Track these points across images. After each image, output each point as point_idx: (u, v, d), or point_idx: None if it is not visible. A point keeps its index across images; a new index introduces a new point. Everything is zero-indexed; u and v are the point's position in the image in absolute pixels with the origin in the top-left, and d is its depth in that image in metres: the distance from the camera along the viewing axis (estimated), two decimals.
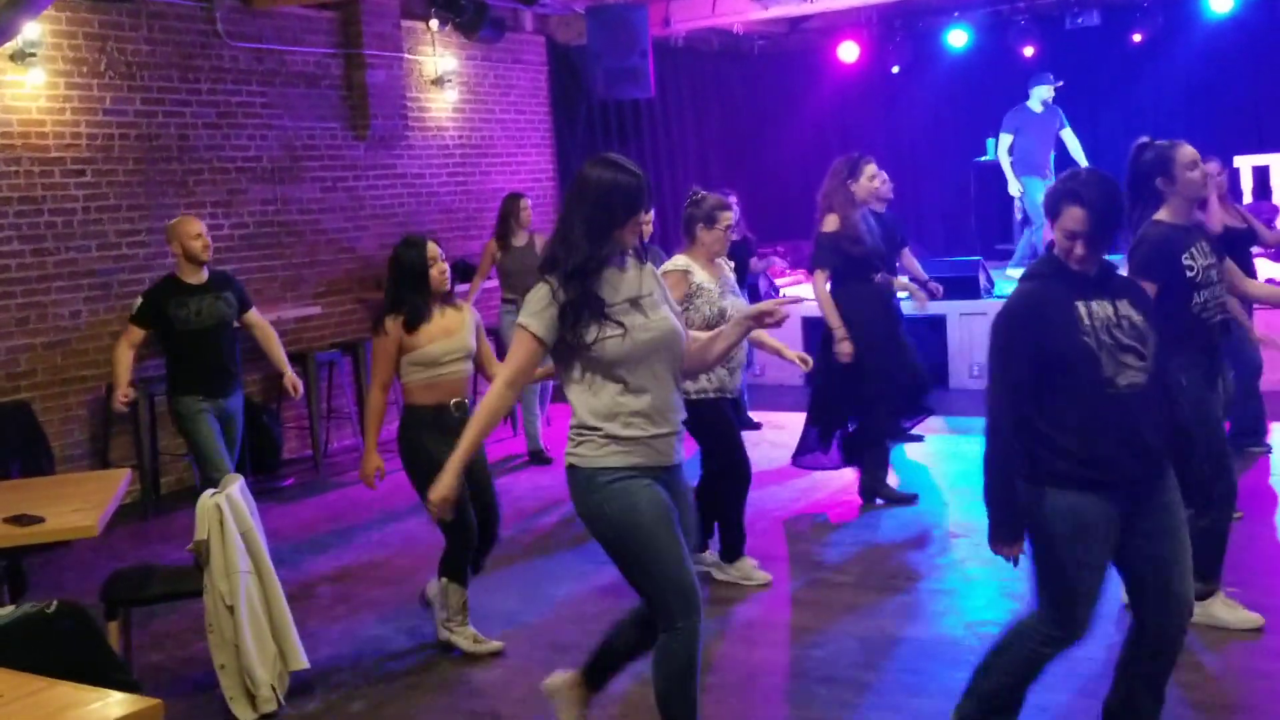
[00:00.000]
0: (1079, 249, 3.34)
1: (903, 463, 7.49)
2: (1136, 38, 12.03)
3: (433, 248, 4.92)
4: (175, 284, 6.19)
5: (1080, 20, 12.04)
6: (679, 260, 5.37)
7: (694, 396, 5.29)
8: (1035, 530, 3.41)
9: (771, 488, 7.05)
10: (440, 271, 4.90)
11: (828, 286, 6.34)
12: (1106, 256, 3.46)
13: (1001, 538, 3.43)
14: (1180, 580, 3.40)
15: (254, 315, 6.42)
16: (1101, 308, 3.33)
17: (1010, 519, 3.41)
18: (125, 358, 6.11)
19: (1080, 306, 3.33)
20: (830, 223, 6.32)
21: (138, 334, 6.14)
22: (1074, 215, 3.33)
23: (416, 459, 4.83)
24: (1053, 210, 3.41)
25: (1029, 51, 12.46)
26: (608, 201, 3.38)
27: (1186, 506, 3.46)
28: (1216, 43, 11.94)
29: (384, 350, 4.89)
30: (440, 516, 3.57)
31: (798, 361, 5.42)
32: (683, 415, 3.53)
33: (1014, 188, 11.09)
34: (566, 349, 3.41)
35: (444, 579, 4.93)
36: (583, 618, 5.29)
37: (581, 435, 3.45)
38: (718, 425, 5.40)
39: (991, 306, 9.73)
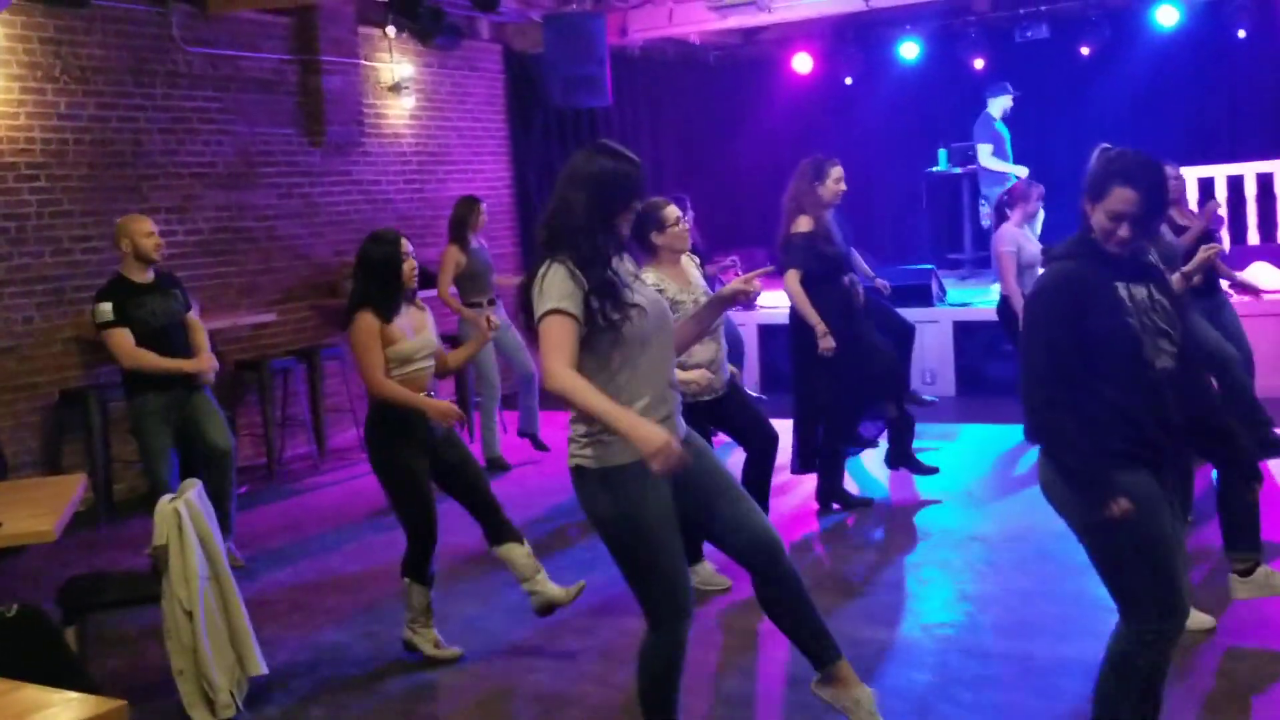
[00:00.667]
0: (1123, 231, 3.26)
1: (857, 468, 7.55)
2: (1084, 50, 12.22)
3: (404, 243, 4.92)
4: (127, 284, 6.14)
5: (1029, 33, 12.22)
6: (648, 277, 5.31)
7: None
8: (1100, 530, 3.30)
9: None
10: (410, 268, 4.91)
11: (799, 286, 6.37)
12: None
13: (1105, 500, 3.24)
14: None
15: (192, 317, 6.35)
16: (1138, 290, 3.30)
17: (1104, 481, 3.25)
18: (145, 353, 6.05)
19: (1121, 288, 3.28)
20: (803, 224, 6.37)
21: (128, 334, 6.06)
22: (1124, 196, 3.24)
23: (387, 462, 4.84)
24: (1098, 190, 3.30)
25: (979, 64, 12.65)
26: (612, 188, 3.40)
27: (1244, 478, 3.64)
28: (1162, 56, 12.18)
29: (370, 338, 4.75)
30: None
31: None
32: (679, 392, 3.57)
33: (1020, 170, 11.22)
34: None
35: (406, 579, 4.93)
36: (540, 621, 5.30)
37: (589, 436, 3.43)
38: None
39: (943, 314, 9.88)
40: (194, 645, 4.28)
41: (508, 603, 5.52)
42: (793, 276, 6.38)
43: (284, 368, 8.86)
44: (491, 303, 8.18)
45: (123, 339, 6.06)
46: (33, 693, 2.45)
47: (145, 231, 6.15)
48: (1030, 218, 7.84)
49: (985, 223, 11.72)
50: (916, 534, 6.28)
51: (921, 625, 5.03)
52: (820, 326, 6.33)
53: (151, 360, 6.05)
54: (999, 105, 11.23)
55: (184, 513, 4.26)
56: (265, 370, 8.59)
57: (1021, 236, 7.66)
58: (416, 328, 4.94)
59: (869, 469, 7.58)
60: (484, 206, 8.42)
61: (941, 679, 4.47)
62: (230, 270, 8.87)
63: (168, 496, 4.35)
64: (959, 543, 6.07)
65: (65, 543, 6.63)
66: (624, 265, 3.50)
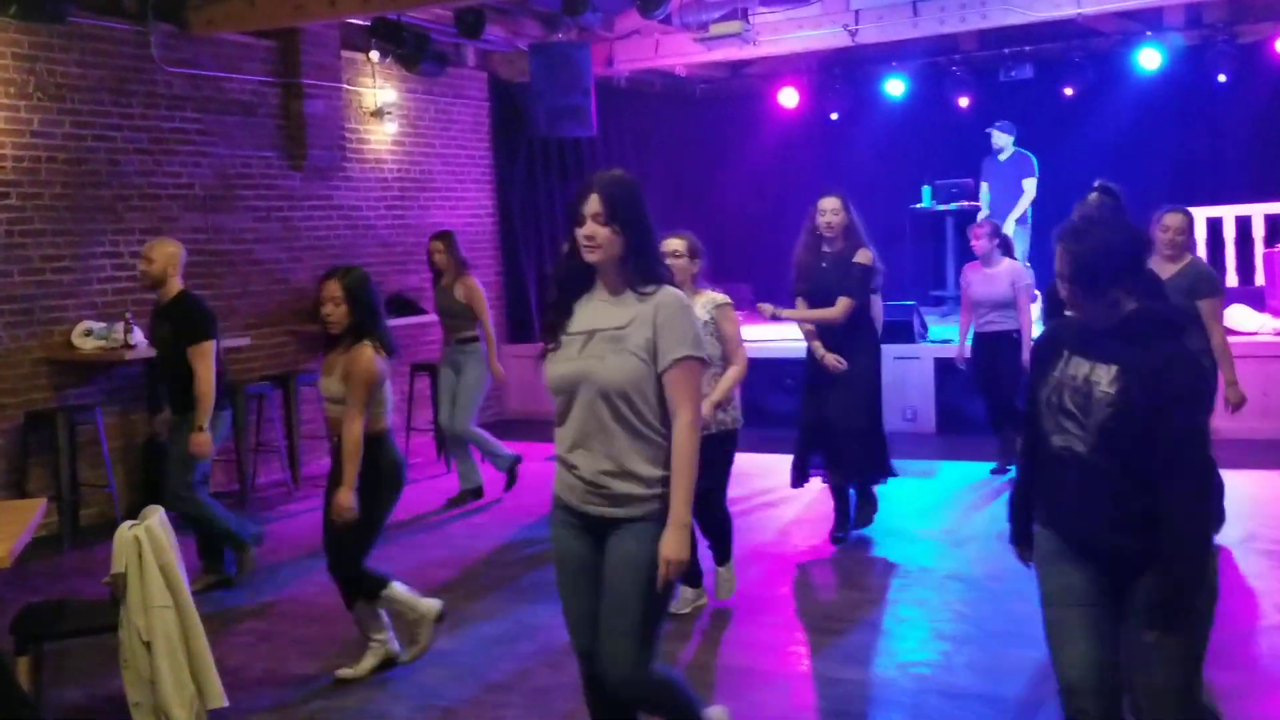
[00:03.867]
0: (1063, 289, 3.16)
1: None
2: (1068, 91, 12.28)
3: (328, 286, 4.86)
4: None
5: (1014, 73, 12.27)
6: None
7: (716, 429, 5.30)
8: None
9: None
10: (325, 313, 4.87)
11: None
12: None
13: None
14: (1140, 692, 3.11)
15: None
16: (1077, 366, 3.13)
17: (1013, 526, 3.49)
18: None
19: (1065, 357, 3.17)
20: (865, 255, 6.42)
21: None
22: (1058, 252, 3.14)
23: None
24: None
25: (964, 102, 12.67)
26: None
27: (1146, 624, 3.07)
28: (1145, 99, 12.21)
29: None
30: None
31: None
32: (609, 469, 3.27)
33: (984, 210, 11.34)
34: None
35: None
36: (513, 656, 5.20)
37: None
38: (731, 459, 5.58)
39: (925, 350, 9.83)
40: (152, 677, 4.16)
41: (480, 636, 5.42)
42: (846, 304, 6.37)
43: (259, 393, 8.74)
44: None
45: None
46: None
47: None
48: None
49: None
50: (894, 572, 6.20)
51: (897, 664, 4.94)
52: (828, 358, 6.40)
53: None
54: (994, 143, 11.41)
55: (144, 540, 4.15)
56: (240, 395, 8.47)
57: None
58: (330, 369, 4.92)
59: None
60: (437, 244, 8.07)
61: None
62: (206, 293, 8.67)
63: (128, 523, 4.24)
64: (937, 581, 5.99)
65: (27, 569, 6.54)
66: (621, 310, 3.31)
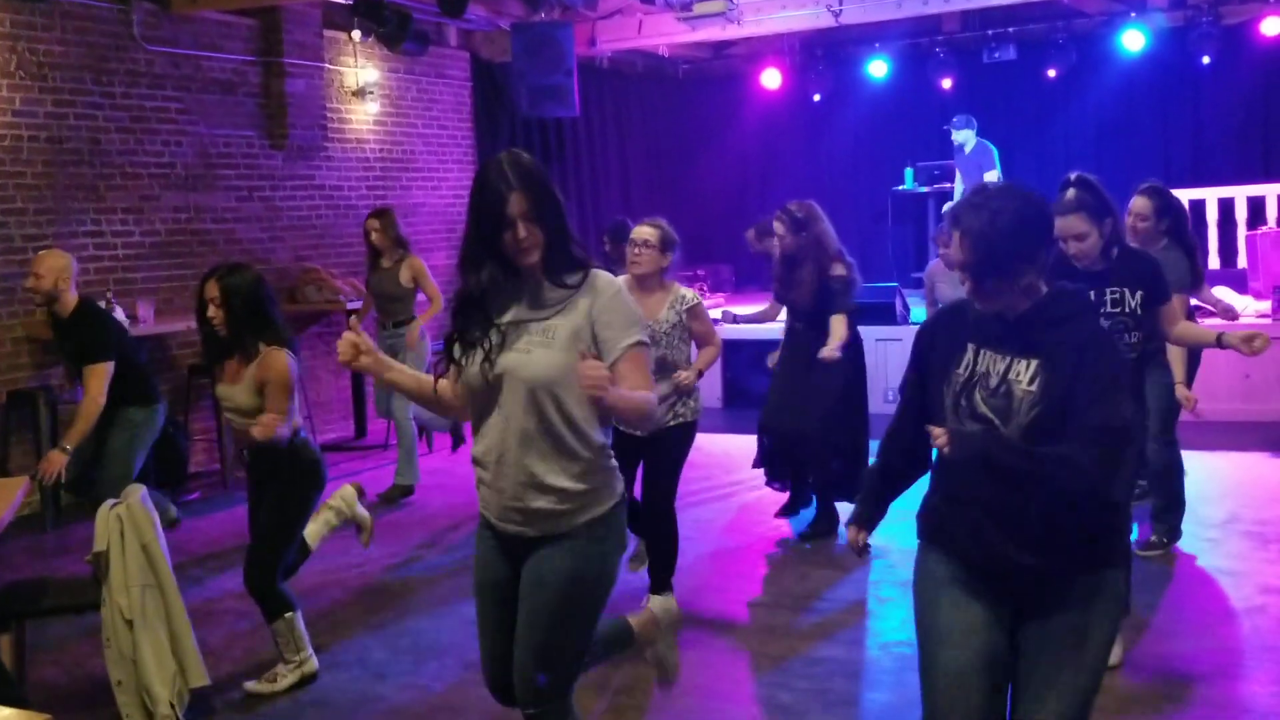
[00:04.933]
0: (965, 283, 2.79)
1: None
2: (1051, 73, 12.29)
3: (209, 287, 4.54)
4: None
5: (997, 55, 12.26)
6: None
7: (675, 422, 5.21)
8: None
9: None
10: (211, 316, 4.56)
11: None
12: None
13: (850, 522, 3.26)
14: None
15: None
16: (989, 361, 2.78)
17: (858, 509, 3.31)
18: None
19: (969, 350, 2.82)
20: (841, 268, 6.24)
21: None
22: (955, 240, 2.78)
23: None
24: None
25: (947, 84, 12.68)
26: (473, 209, 3.00)
27: None
28: (1128, 81, 12.26)
29: None
30: None
31: None
32: (524, 481, 3.00)
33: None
34: None
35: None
36: None
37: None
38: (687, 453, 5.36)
39: (907, 332, 9.85)
40: (134, 655, 4.16)
41: (462, 617, 5.42)
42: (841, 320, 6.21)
43: None
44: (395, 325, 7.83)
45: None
46: None
47: None
48: None
49: None
50: (875, 552, 6.21)
51: (880, 644, 4.97)
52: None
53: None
54: (956, 138, 11.44)
55: (125, 519, 4.15)
56: None
57: None
58: (232, 380, 4.64)
59: None
60: (373, 222, 7.83)
61: (899, 699, 4.41)
62: (187, 273, 8.72)
63: (110, 502, 4.23)
64: None
65: (7, 548, 6.53)
66: (550, 299, 3.03)
